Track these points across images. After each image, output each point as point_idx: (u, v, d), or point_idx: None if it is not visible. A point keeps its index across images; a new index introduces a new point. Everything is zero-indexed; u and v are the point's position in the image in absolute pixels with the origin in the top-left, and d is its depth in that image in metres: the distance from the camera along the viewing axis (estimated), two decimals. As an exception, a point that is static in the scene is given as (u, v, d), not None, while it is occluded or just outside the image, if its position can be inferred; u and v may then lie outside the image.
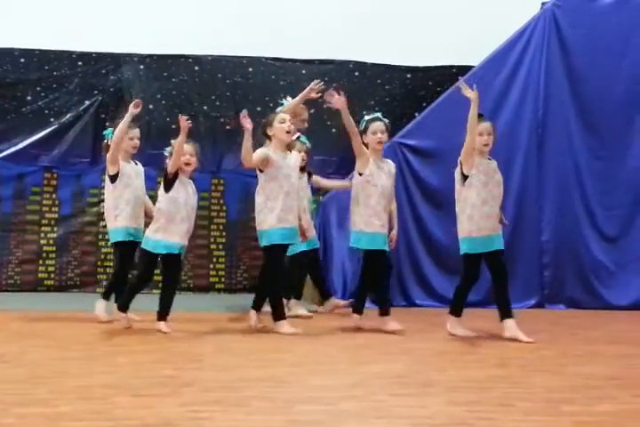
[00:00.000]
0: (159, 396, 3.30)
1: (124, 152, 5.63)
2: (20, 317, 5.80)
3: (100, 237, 7.93)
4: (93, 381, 3.58)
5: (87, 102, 8.06)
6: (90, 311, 5.67)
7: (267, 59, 8.27)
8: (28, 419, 2.90)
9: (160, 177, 5.80)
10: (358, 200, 5.45)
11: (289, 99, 6.00)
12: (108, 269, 7.89)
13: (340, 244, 6.90)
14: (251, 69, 8.24)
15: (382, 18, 8.15)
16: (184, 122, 5.20)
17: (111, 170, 5.58)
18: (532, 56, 7.26)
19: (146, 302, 5.41)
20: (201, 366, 4.07)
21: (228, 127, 8.10)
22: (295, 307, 6.23)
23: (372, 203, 5.41)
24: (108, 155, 5.58)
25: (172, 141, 5.32)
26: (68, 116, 8.03)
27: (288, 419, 2.98)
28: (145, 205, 5.75)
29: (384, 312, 5.44)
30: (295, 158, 5.47)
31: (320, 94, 5.82)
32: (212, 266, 8.10)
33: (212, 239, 8.10)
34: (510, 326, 5.09)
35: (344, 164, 7.52)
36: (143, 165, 5.90)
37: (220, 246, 8.13)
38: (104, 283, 7.80)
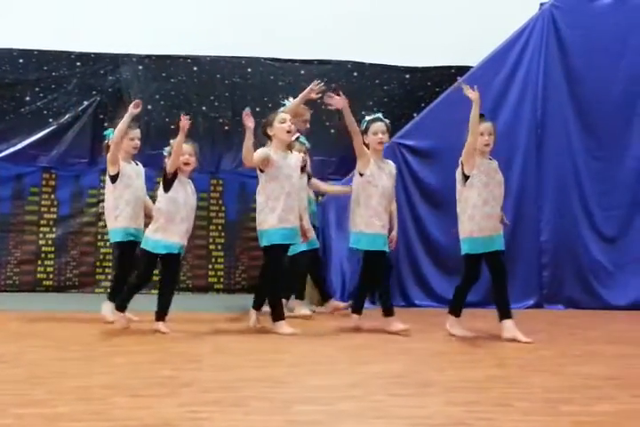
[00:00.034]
0: (158, 396, 3.30)
1: (125, 152, 5.63)
2: (19, 317, 5.80)
3: (99, 237, 7.93)
4: (92, 381, 3.57)
5: (86, 103, 8.06)
6: (90, 312, 5.67)
7: (265, 59, 8.27)
8: (27, 419, 2.90)
9: (159, 177, 5.80)
10: (359, 201, 5.43)
11: (291, 99, 5.99)
12: (106, 270, 7.89)
13: (338, 244, 6.89)
14: (249, 70, 8.24)
15: (381, 18, 8.15)
16: (184, 121, 5.19)
17: (111, 170, 5.57)
18: (530, 56, 7.27)
19: (144, 303, 5.40)
20: (199, 366, 4.07)
21: (226, 128, 8.10)
22: (298, 307, 6.22)
23: (373, 203, 5.40)
24: (108, 155, 5.58)
25: (172, 141, 5.32)
26: (67, 116, 8.03)
27: (286, 419, 2.98)
28: (145, 206, 5.75)
29: (388, 313, 5.40)
30: (296, 158, 5.46)
31: (320, 95, 5.82)
32: (210, 266, 8.10)
33: (210, 240, 8.10)
34: (509, 327, 5.09)
35: (343, 164, 7.53)
36: (142, 166, 5.89)
37: (219, 247, 8.12)
38: (102, 283, 7.84)
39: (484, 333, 5.29)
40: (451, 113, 6.55)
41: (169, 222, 5.25)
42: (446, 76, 8.14)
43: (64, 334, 5.03)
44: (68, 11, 7.97)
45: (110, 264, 7.82)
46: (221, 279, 8.09)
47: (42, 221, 7.94)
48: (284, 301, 5.68)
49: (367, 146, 5.44)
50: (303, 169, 5.95)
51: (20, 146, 7.96)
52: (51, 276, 7.90)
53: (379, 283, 5.48)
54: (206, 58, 8.20)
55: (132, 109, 5.40)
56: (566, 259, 7.18)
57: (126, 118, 5.42)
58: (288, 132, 5.33)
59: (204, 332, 5.23)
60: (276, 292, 5.39)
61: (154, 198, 5.49)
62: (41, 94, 8.01)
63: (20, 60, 8.00)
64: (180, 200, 5.30)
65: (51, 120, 8.01)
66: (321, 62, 8.32)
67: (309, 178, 6.31)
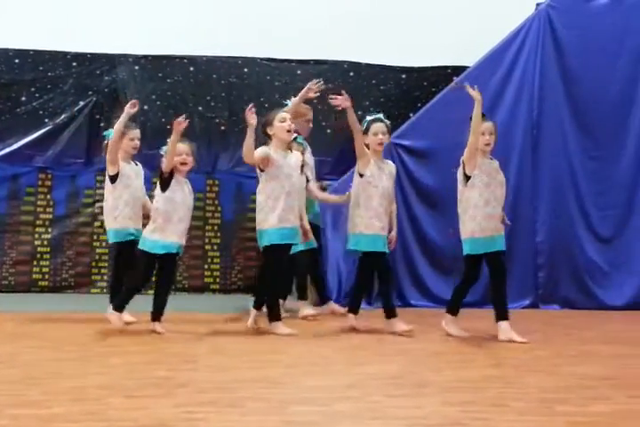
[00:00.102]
0: (153, 397, 3.30)
1: (124, 153, 5.63)
2: (14, 318, 5.79)
3: (95, 237, 7.92)
4: (87, 382, 3.57)
5: (82, 103, 8.04)
6: (86, 312, 5.66)
7: (261, 59, 8.27)
8: (22, 420, 2.90)
9: (155, 177, 5.79)
10: (359, 202, 5.41)
11: (291, 99, 5.97)
12: (102, 270, 7.87)
13: (334, 244, 6.88)
14: (246, 70, 8.24)
15: (377, 18, 8.15)
16: (178, 123, 5.17)
17: (111, 170, 5.57)
18: (526, 57, 7.26)
19: (140, 303, 5.39)
20: (195, 366, 4.06)
21: (222, 128, 8.10)
22: (303, 307, 6.20)
23: (374, 204, 5.38)
24: (107, 155, 5.57)
25: (169, 140, 5.30)
26: (63, 116, 8.01)
27: (283, 420, 2.98)
28: (144, 206, 5.74)
29: (391, 314, 5.37)
30: (296, 158, 5.44)
31: (318, 94, 5.81)
32: (206, 266, 8.09)
33: (206, 240, 8.09)
34: (504, 329, 5.09)
35: (339, 164, 7.53)
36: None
37: (215, 247, 8.11)
38: (98, 284, 7.84)
39: (481, 333, 5.29)
40: (447, 113, 6.56)
41: (167, 222, 5.24)
42: (442, 76, 8.14)
43: (59, 335, 5.02)
44: (64, 11, 7.96)
45: (106, 264, 7.81)
46: (217, 280, 8.08)
47: (37, 222, 7.92)
48: (280, 301, 5.67)
49: (367, 146, 5.43)
50: (301, 169, 5.93)
51: (15, 146, 7.94)
52: (46, 276, 7.88)
53: (382, 284, 5.46)
54: (202, 58, 8.19)
55: (129, 109, 5.40)
56: (562, 259, 7.18)
57: (123, 118, 5.42)
58: (288, 131, 5.30)
59: (200, 332, 5.22)
60: (274, 292, 5.38)
61: (152, 198, 5.48)
62: (37, 94, 7.99)
63: (16, 60, 7.98)
64: (178, 200, 5.29)
65: (47, 120, 8.00)
66: (317, 62, 8.31)
67: (307, 181, 6.27)
